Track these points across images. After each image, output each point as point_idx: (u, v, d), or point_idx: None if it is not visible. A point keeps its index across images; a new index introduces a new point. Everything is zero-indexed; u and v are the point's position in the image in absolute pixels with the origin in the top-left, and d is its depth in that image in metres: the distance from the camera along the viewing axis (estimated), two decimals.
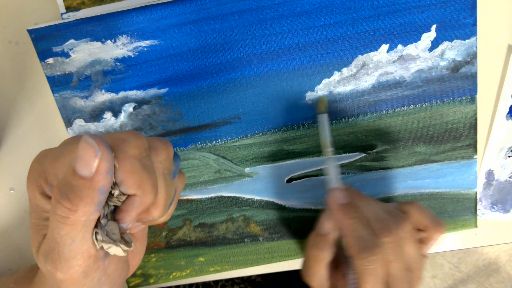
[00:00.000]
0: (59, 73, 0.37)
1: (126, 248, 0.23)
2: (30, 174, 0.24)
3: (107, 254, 0.24)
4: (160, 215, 0.25)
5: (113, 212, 0.23)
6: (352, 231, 0.32)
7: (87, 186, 0.20)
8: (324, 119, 0.37)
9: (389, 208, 0.34)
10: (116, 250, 0.23)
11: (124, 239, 0.24)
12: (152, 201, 0.24)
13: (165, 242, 0.42)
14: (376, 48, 0.37)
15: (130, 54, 0.37)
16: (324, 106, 0.38)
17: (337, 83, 0.38)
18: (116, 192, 0.23)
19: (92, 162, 0.20)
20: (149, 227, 0.41)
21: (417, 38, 0.37)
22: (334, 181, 0.36)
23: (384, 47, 0.37)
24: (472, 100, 0.39)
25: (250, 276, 0.57)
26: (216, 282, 0.56)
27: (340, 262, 0.36)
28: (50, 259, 0.22)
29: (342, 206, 0.34)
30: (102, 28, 0.36)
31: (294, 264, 0.43)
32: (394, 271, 0.31)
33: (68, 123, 0.39)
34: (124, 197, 0.23)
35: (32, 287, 0.30)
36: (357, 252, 0.31)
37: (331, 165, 0.36)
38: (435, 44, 0.37)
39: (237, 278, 0.57)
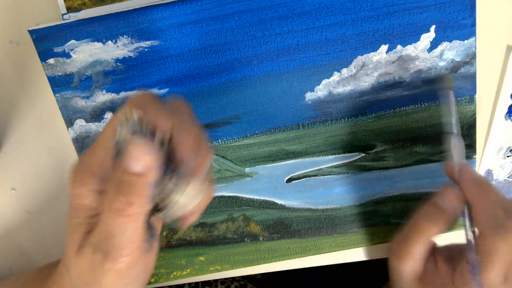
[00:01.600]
0: (60, 74, 0.37)
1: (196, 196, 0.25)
2: (74, 174, 0.25)
3: (150, 248, 0.26)
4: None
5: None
6: (488, 206, 0.30)
7: (140, 182, 0.23)
8: (451, 97, 0.36)
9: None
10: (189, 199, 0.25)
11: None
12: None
13: (165, 242, 0.42)
14: (375, 48, 0.38)
15: (131, 54, 0.37)
16: (451, 84, 0.37)
17: (337, 84, 0.38)
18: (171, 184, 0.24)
19: (143, 160, 0.22)
20: None
21: (416, 39, 0.37)
22: (461, 158, 0.34)
23: (384, 47, 0.37)
24: (471, 100, 0.39)
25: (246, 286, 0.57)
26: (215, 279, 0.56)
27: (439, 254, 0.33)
28: (101, 249, 0.24)
29: (478, 180, 0.32)
30: (103, 28, 0.36)
31: (294, 263, 0.43)
32: None
33: (69, 123, 0.39)
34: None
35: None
36: (491, 228, 0.29)
37: (458, 143, 0.34)
38: (434, 44, 0.37)
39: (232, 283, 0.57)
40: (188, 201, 0.25)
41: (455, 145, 0.34)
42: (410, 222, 0.33)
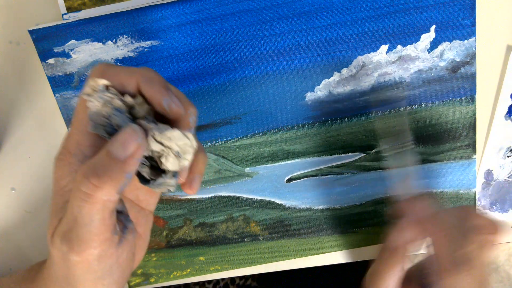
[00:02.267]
0: (60, 74, 0.37)
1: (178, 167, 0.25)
2: (56, 157, 0.25)
3: (120, 241, 0.24)
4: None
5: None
6: (447, 242, 0.30)
7: (118, 167, 0.22)
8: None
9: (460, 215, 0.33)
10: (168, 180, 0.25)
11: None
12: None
13: (165, 242, 0.42)
14: (375, 48, 0.38)
15: (131, 54, 0.37)
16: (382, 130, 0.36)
17: (337, 84, 0.38)
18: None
19: (131, 146, 0.22)
20: None
21: (417, 39, 0.37)
22: (412, 185, 0.34)
23: (384, 47, 0.37)
24: (471, 100, 0.39)
25: (246, 281, 0.57)
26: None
27: (411, 277, 0.34)
28: (67, 240, 0.23)
29: (431, 216, 0.32)
30: (103, 28, 0.36)
31: (294, 263, 0.43)
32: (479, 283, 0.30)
33: (69, 123, 0.39)
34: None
35: (34, 286, 0.30)
36: (452, 267, 0.29)
37: (409, 162, 0.34)
38: (434, 44, 0.37)
39: (232, 284, 0.57)
40: (180, 151, 0.24)
41: (406, 166, 0.34)
42: (377, 266, 0.34)
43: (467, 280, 0.29)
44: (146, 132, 0.23)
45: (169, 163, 0.24)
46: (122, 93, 0.24)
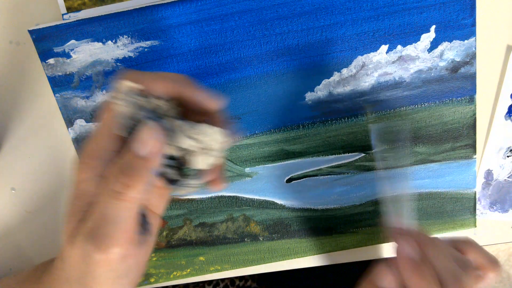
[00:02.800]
0: (60, 74, 0.37)
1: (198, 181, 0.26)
2: (80, 160, 0.25)
3: (142, 241, 0.26)
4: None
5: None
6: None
7: (142, 165, 0.23)
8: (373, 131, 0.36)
9: (455, 254, 0.31)
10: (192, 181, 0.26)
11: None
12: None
13: (165, 242, 0.42)
14: (375, 48, 0.38)
15: (131, 54, 0.37)
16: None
17: (337, 84, 0.38)
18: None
19: (150, 143, 0.23)
20: None
21: (417, 39, 0.37)
22: (402, 218, 0.32)
23: (384, 47, 0.37)
24: (471, 100, 0.39)
25: (245, 283, 0.57)
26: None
27: None
28: (93, 238, 0.23)
29: (412, 262, 0.30)
30: (103, 28, 0.36)
31: (294, 263, 0.43)
32: None
33: (69, 123, 0.39)
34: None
35: (40, 286, 0.30)
36: None
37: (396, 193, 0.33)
38: (434, 44, 0.37)
39: (232, 285, 0.57)
40: (208, 147, 0.25)
41: (392, 199, 0.33)
42: None
43: None
44: (173, 130, 0.24)
45: (199, 160, 0.25)
46: (149, 95, 0.24)
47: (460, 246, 0.32)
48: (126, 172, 0.23)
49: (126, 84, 0.24)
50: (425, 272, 0.29)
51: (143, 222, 0.26)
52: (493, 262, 0.32)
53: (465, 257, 0.31)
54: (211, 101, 0.26)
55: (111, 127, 0.25)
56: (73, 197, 0.25)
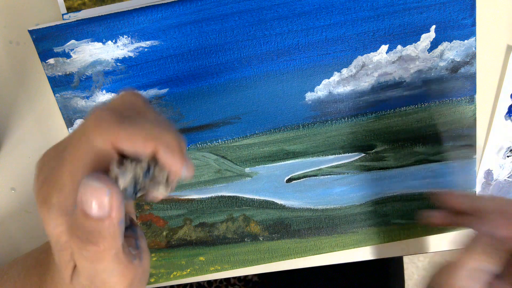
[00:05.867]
0: (60, 74, 0.37)
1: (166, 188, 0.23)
2: (42, 202, 0.22)
3: (140, 257, 0.23)
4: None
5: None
6: None
7: (106, 225, 0.20)
8: None
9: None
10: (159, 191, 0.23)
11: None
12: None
13: (165, 242, 0.42)
14: (375, 48, 0.38)
15: (131, 54, 0.37)
16: None
17: (337, 84, 0.38)
18: (156, 170, 0.22)
19: (104, 202, 0.19)
20: (150, 227, 0.41)
21: (417, 39, 0.37)
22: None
23: (384, 47, 0.37)
24: (471, 100, 0.39)
25: (246, 276, 0.57)
26: (210, 283, 0.56)
27: None
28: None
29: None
30: (103, 28, 0.36)
31: (294, 263, 0.43)
32: None
33: (69, 123, 0.39)
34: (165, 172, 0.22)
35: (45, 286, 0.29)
36: None
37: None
38: (434, 44, 0.37)
39: (234, 278, 0.57)
40: (163, 191, 0.23)
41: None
42: (459, 258, 0.29)
43: None
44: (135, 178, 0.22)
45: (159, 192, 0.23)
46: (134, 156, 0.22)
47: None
48: (90, 240, 0.20)
49: (114, 170, 0.21)
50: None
51: (134, 244, 0.24)
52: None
53: None
54: (181, 170, 0.22)
55: (79, 172, 0.21)
56: (53, 245, 0.22)
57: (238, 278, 0.56)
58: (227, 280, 0.56)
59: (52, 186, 0.22)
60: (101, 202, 0.19)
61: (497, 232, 0.29)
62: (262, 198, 0.41)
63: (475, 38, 0.37)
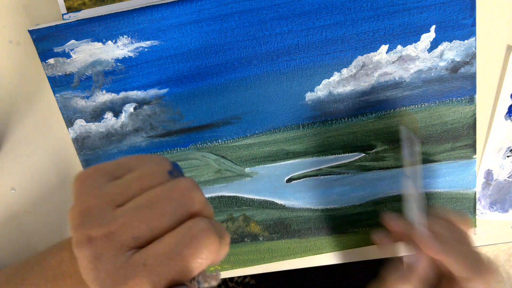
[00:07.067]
0: (60, 74, 0.37)
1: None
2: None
3: None
4: None
5: None
6: (458, 255, 0.32)
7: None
8: (406, 135, 0.37)
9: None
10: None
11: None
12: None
13: None
14: (375, 48, 0.38)
15: (131, 54, 0.37)
16: (411, 125, 0.37)
17: (337, 84, 0.38)
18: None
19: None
20: None
21: (417, 39, 0.37)
22: (413, 209, 0.35)
23: (384, 47, 0.37)
24: (471, 100, 0.39)
25: (244, 279, 0.57)
26: None
27: None
28: None
29: (434, 241, 0.33)
30: (103, 28, 0.36)
31: (293, 263, 0.43)
32: None
33: (69, 123, 0.39)
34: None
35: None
36: (478, 271, 0.31)
37: (408, 187, 0.35)
38: (434, 44, 0.37)
39: (231, 281, 0.57)
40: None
41: (409, 195, 0.35)
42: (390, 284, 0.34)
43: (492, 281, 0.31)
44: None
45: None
46: None
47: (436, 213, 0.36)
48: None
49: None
50: (446, 243, 0.32)
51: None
52: (464, 217, 0.36)
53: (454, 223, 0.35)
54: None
55: None
56: None
57: (236, 282, 0.56)
58: (225, 283, 0.56)
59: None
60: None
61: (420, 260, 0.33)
62: (262, 198, 0.41)
63: (475, 38, 0.37)
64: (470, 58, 0.38)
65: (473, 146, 0.40)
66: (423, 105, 0.39)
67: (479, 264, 0.32)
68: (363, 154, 0.40)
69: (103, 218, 0.21)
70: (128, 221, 0.21)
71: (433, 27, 0.37)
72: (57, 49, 0.37)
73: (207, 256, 0.21)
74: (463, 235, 0.34)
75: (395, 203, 0.42)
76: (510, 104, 0.40)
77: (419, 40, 0.37)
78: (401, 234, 0.36)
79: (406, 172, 0.36)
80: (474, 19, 0.37)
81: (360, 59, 0.38)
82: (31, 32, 0.36)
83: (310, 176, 0.41)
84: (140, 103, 0.38)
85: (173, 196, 0.21)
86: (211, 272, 0.24)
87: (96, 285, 0.20)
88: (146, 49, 0.37)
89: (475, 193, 0.42)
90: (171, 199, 0.21)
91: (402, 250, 0.43)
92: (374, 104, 0.39)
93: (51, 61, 0.37)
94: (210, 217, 0.23)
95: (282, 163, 0.40)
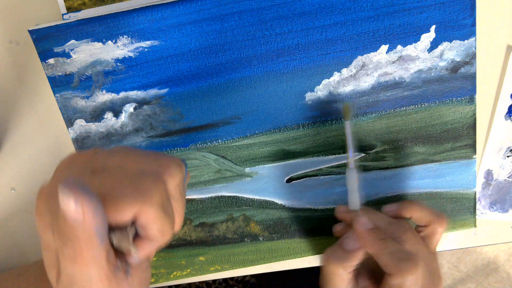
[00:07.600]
0: (60, 74, 0.37)
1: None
2: (37, 212, 0.24)
3: (128, 271, 0.24)
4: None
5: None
6: (386, 249, 0.33)
7: (82, 230, 0.21)
8: (347, 126, 0.37)
9: (389, 219, 0.37)
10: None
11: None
12: (168, 240, 0.25)
13: None
14: (375, 48, 0.38)
15: (131, 54, 0.37)
16: (348, 113, 0.38)
17: (337, 84, 0.38)
18: (132, 231, 0.23)
19: (76, 208, 0.20)
20: None
21: (417, 39, 0.37)
22: (354, 200, 0.37)
23: (384, 47, 0.37)
24: (471, 100, 0.39)
25: (244, 277, 0.57)
26: (208, 284, 0.56)
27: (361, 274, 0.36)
28: None
29: (370, 230, 0.35)
30: (103, 28, 0.36)
31: (294, 263, 0.43)
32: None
33: (69, 123, 0.39)
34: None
35: None
36: (395, 269, 0.32)
37: (351, 178, 0.37)
38: (434, 44, 0.37)
39: (231, 279, 0.57)
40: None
41: (349, 181, 0.37)
42: (327, 267, 0.35)
43: (415, 277, 0.32)
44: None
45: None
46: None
47: (405, 206, 0.37)
48: (68, 241, 0.21)
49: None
50: (382, 235, 0.34)
51: (124, 250, 0.24)
52: (438, 217, 0.36)
53: (401, 220, 0.37)
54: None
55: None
56: (42, 247, 0.24)
57: (236, 280, 0.56)
58: (226, 281, 0.56)
59: (49, 193, 0.24)
60: (74, 208, 0.20)
61: (345, 246, 0.35)
62: (262, 198, 0.41)
63: (475, 38, 0.37)
64: (470, 58, 0.38)
65: (473, 146, 0.40)
66: (423, 105, 0.39)
67: (401, 262, 0.32)
68: (363, 154, 0.40)
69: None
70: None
71: (433, 27, 0.37)
72: (57, 49, 0.37)
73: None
74: (401, 232, 0.35)
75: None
76: (510, 104, 0.40)
77: (419, 40, 0.37)
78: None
79: (350, 163, 0.37)
80: (474, 19, 0.37)
81: (360, 59, 0.38)
82: (31, 32, 0.36)
83: (310, 176, 0.41)
84: (140, 103, 0.38)
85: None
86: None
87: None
88: (146, 49, 0.37)
89: (475, 193, 0.42)
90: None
91: None
92: (374, 104, 0.39)
93: (51, 61, 0.37)
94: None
95: (282, 163, 0.40)
